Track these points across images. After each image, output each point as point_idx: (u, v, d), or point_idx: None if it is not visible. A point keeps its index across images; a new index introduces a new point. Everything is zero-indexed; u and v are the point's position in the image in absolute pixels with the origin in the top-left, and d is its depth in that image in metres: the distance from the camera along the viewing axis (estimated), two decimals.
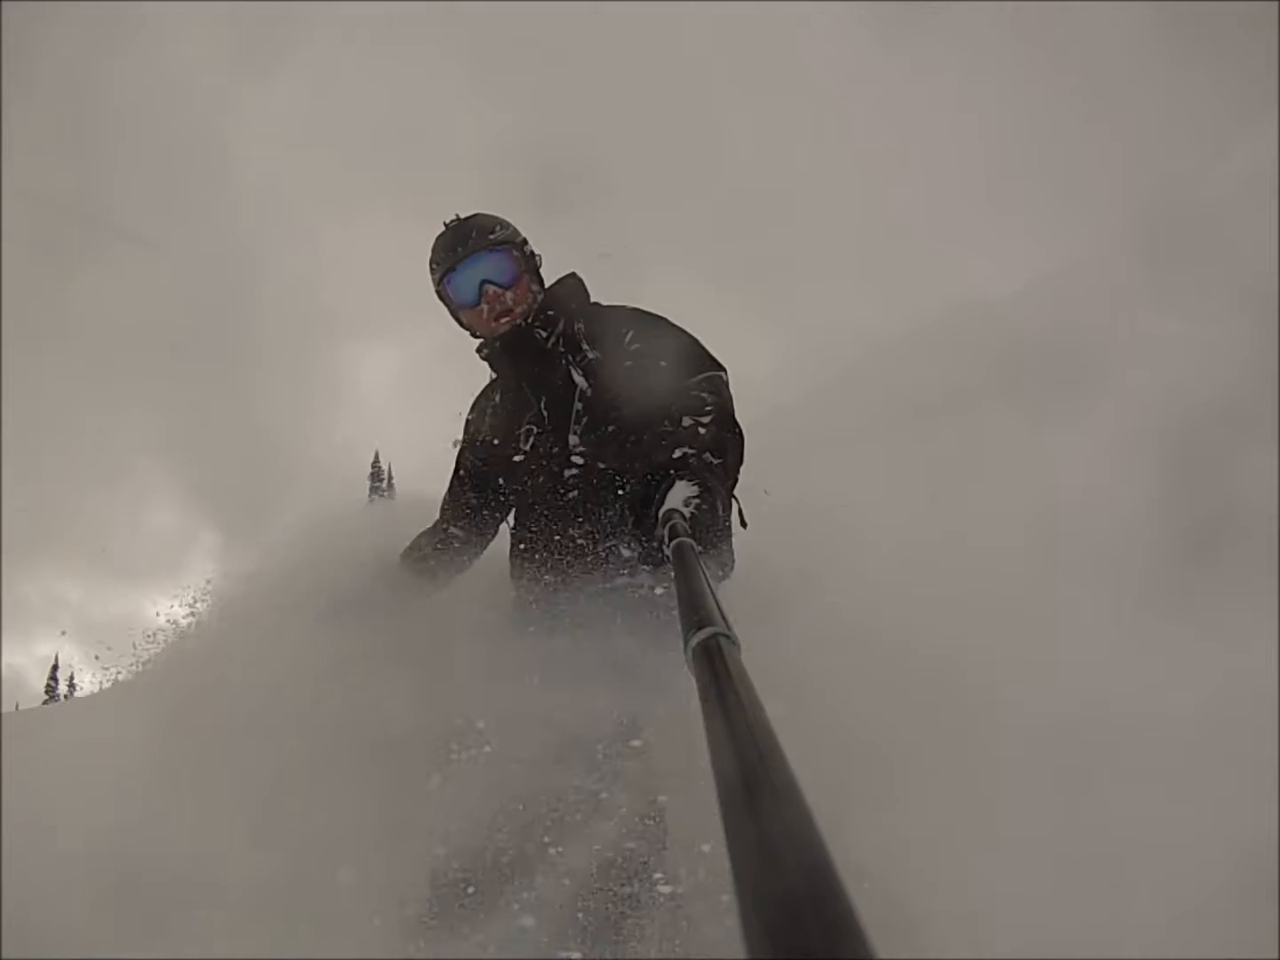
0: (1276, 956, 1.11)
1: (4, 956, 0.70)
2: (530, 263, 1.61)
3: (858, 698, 1.62)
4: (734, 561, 1.37)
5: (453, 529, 1.66)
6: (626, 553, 1.38)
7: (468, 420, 1.72)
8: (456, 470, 1.71)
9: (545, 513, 1.51)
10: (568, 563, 1.45)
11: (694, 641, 0.55)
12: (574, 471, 1.49)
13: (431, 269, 1.60)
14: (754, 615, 1.25)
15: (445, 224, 1.60)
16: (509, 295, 1.54)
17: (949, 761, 1.48)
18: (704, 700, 0.46)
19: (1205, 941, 1.13)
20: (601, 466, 1.46)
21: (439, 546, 1.64)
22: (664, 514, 1.06)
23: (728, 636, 0.55)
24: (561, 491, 1.50)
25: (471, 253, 1.53)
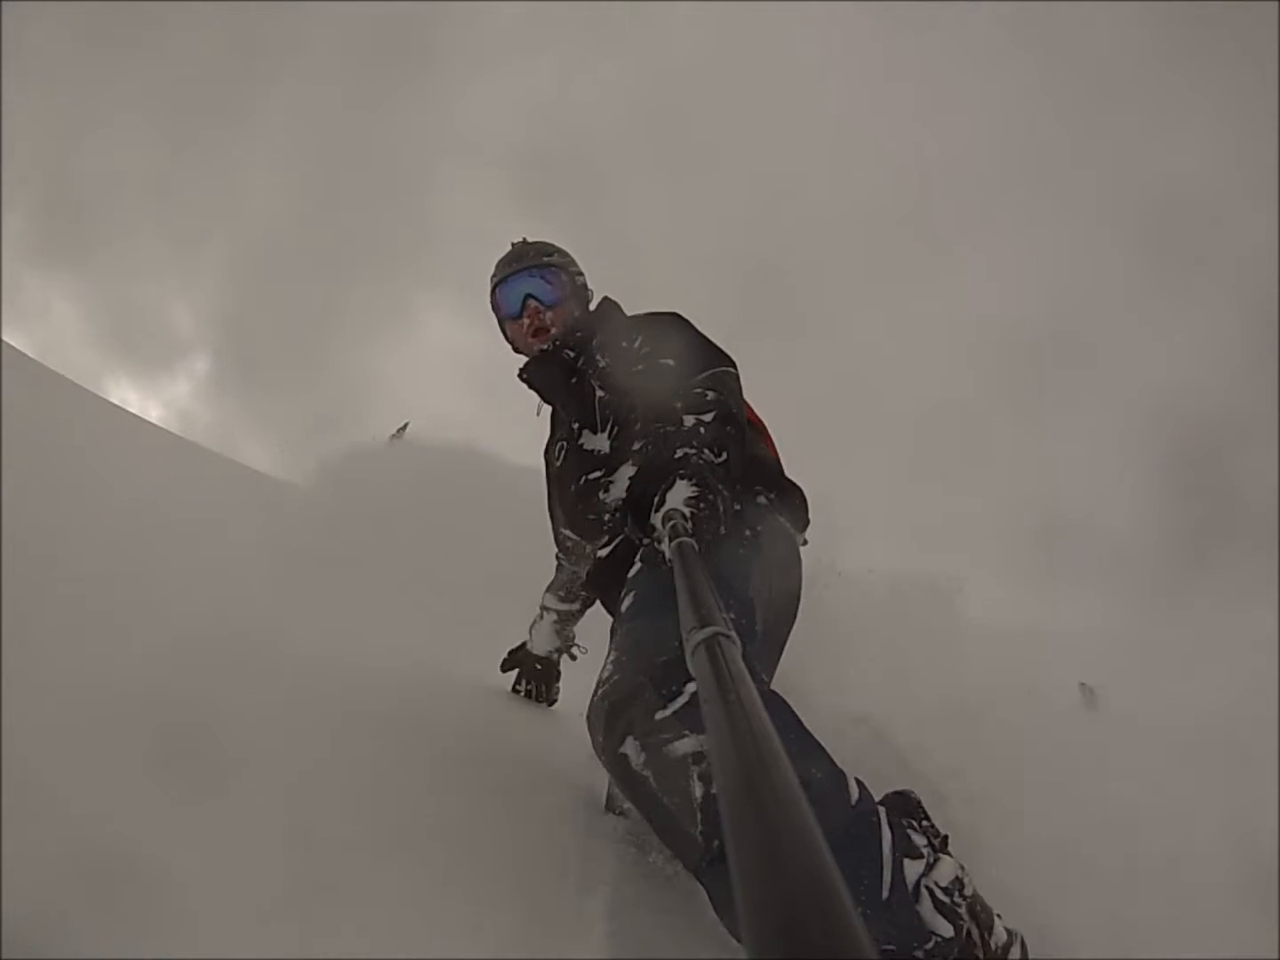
0: (1277, 957, 1.11)
1: (4, 957, 0.70)
2: (578, 291, 1.71)
3: (851, 691, 1.62)
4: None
5: (564, 530, 1.85)
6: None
7: (545, 446, 1.85)
8: (547, 485, 1.86)
9: (584, 515, 1.58)
10: (602, 563, 1.49)
11: (695, 641, 0.55)
12: (600, 472, 1.53)
13: (490, 279, 1.72)
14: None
15: (512, 243, 1.74)
16: (548, 314, 1.64)
17: (948, 761, 1.48)
18: (705, 700, 0.46)
19: (1205, 941, 1.13)
20: (629, 474, 1.48)
21: (566, 546, 1.90)
22: (664, 514, 1.05)
23: (728, 636, 0.55)
24: (592, 495, 1.55)
25: (524, 268, 1.66)
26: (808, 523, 1.50)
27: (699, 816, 0.91)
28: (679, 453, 1.16)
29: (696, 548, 0.94)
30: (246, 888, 0.92)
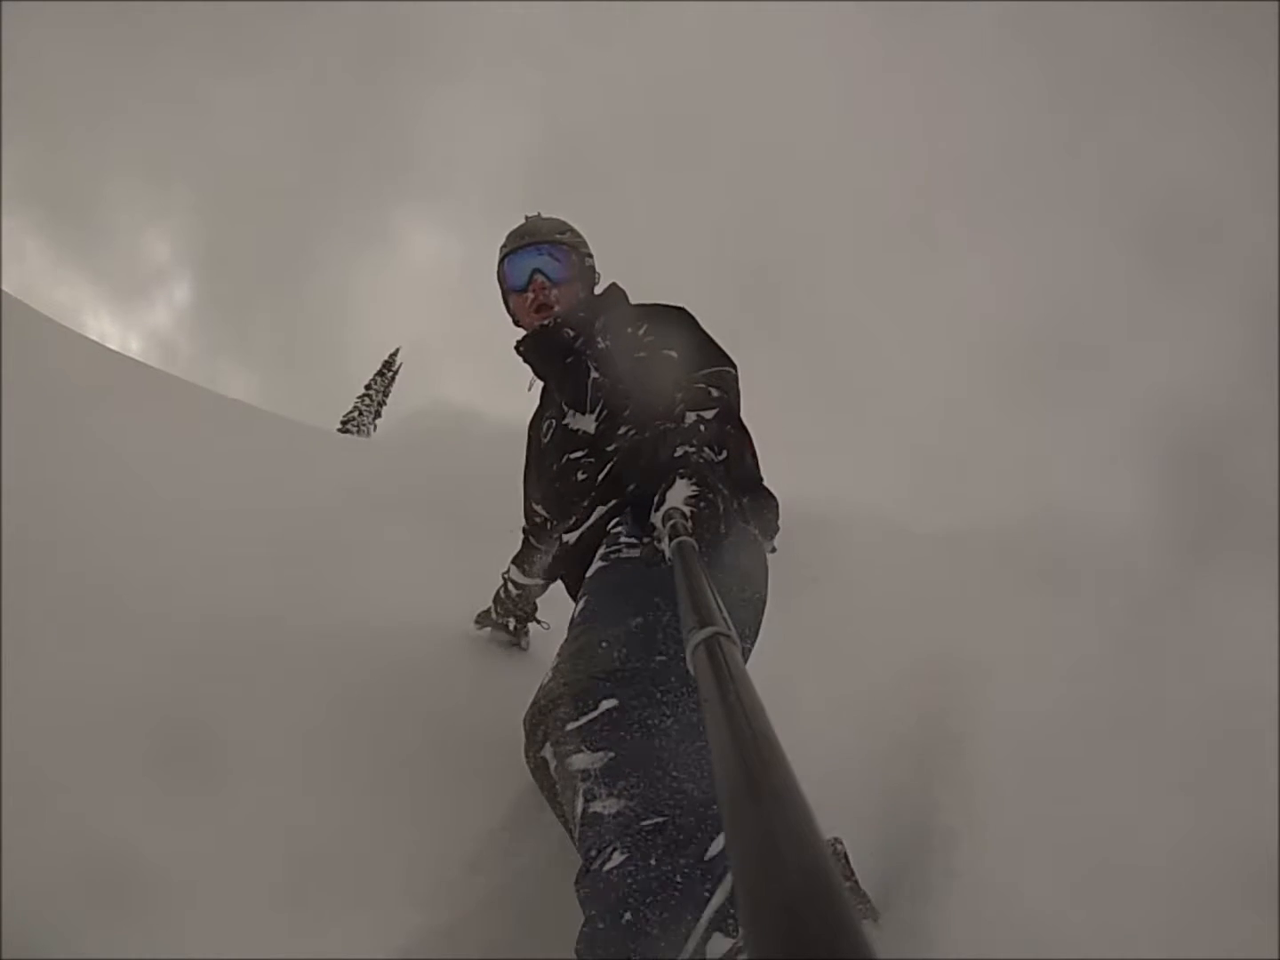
0: (1277, 957, 1.11)
1: (4, 957, 0.70)
2: (586, 273, 1.70)
3: (852, 702, 1.62)
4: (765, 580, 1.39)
5: (536, 505, 1.85)
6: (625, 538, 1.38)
7: (531, 419, 1.84)
8: (526, 460, 1.86)
9: (559, 495, 1.56)
10: (569, 549, 1.47)
11: (695, 641, 0.55)
12: (582, 453, 1.51)
13: (499, 250, 1.72)
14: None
15: (526, 216, 1.74)
16: (554, 291, 1.63)
17: (949, 762, 1.48)
18: (705, 700, 0.46)
19: (1205, 941, 1.13)
20: (609, 449, 1.46)
21: (535, 521, 1.88)
22: (664, 513, 1.05)
23: (729, 636, 0.55)
24: (570, 474, 1.52)
25: (535, 243, 1.66)
26: (777, 530, 1.48)
27: (576, 832, 0.91)
28: (679, 451, 1.16)
29: (696, 547, 0.93)
30: (243, 888, 0.92)
